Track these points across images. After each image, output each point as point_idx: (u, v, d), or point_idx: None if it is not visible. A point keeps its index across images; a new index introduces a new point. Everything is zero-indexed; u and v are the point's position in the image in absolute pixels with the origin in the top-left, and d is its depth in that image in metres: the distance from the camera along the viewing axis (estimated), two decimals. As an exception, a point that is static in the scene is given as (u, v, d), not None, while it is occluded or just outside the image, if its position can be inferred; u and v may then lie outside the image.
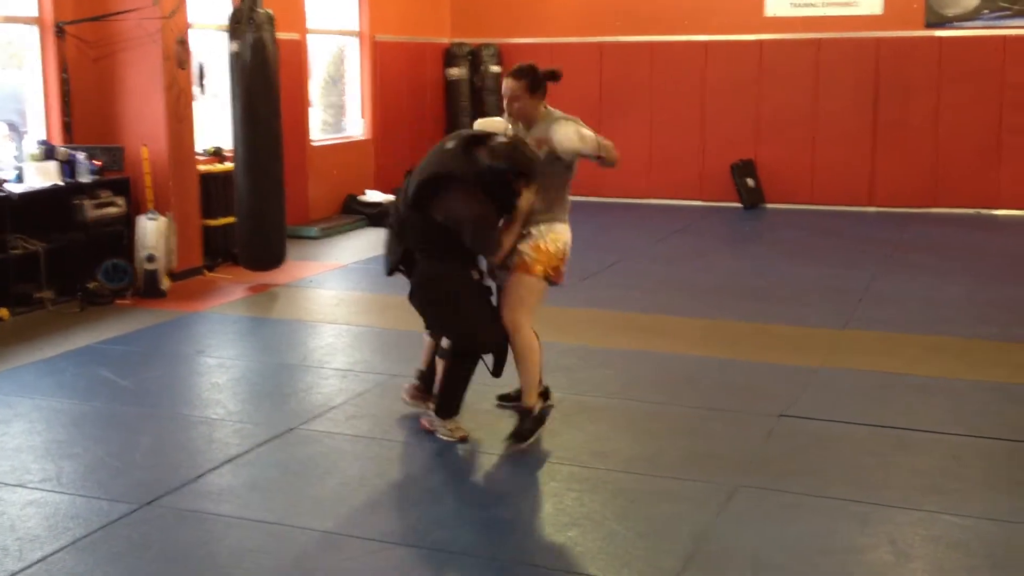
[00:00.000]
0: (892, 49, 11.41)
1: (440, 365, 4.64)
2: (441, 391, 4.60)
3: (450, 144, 4.51)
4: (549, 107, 4.79)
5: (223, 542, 3.66)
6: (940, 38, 11.25)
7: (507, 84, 4.68)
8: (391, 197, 10.99)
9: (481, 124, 4.91)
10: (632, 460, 4.38)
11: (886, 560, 3.50)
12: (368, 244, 9.77)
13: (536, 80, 4.71)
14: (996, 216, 11.20)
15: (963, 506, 3.90)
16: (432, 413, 4.64)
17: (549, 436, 4.66)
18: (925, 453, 4.47)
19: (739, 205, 11.94)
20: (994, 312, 6.97)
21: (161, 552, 3.57)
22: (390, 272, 4.73)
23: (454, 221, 4.33)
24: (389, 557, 3.54)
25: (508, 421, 4.78)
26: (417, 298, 4.59)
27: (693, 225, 10.94)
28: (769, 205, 12.04)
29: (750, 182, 11.92)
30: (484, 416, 4.88)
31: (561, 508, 3.91)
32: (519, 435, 4.48)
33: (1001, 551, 3.54)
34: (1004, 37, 11.06)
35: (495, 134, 4.59)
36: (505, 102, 4.72)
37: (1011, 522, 3.76)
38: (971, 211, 11.33)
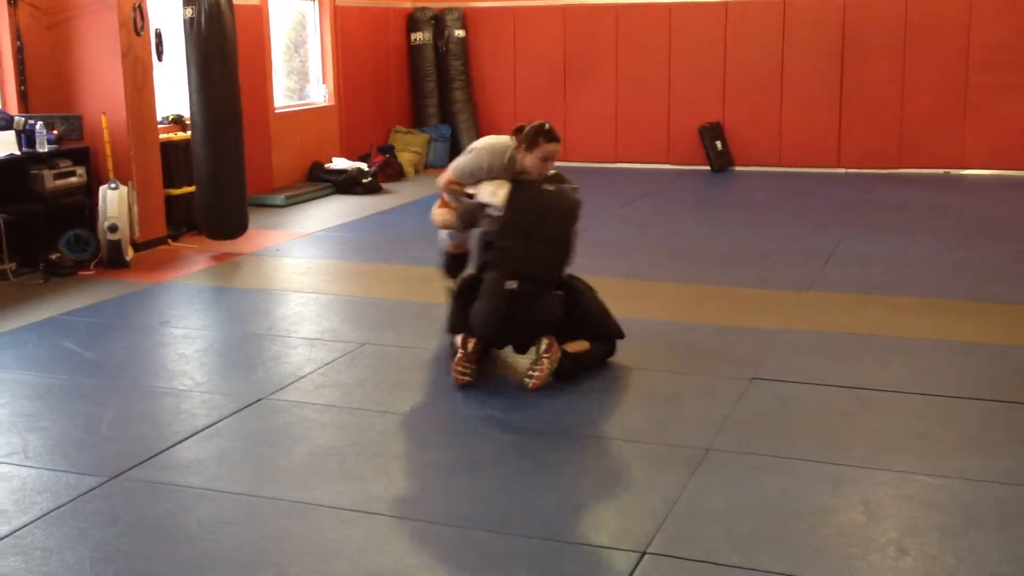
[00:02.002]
0: (858, 9, 11.41)
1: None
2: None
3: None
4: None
5: (192, 514, 3.63)
6: (905, -2, 11.27)
7: (554, 148, 5.19)
8: (358, 164, 10.91)
9: (492, 143, 5.30)
10: (600, 426, 4.38)
11: (858, 520, 3.52)
12: (335, 212, 9.69)
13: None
14: (963, 176, 11.28)
15: (933, 465, 3.93)
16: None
17: (519, 404, 4.65)
18: (893, 413, 4.50)
19: (708, 168, 11.95)
20: (959, 272, 7.03)
21: (130, 525, 3.53)
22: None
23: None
24: (360, 526, 3.52)
25: (485, 391, 4.77)
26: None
27: (661, 189, 10.94)
28: (738, 168, 12.06)
29: (718, 145, 11.92)
30: (451, 390, 4.86)
31: (530, 475, 3.90)
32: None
33: (973, 509, 3.58)
34: (969, -4, 11.09)
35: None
36: (543, 163, 5.17)
37: (982, 481, 3.80)
38: (938, 172, 11.41)
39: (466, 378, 4.81)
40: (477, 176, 5.18)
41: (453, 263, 5.76)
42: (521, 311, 4.86)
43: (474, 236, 5.39)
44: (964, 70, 11.19)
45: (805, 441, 4.18)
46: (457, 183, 5.28)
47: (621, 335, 5.18)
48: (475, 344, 4.87)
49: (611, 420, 4.45)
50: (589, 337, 5.05)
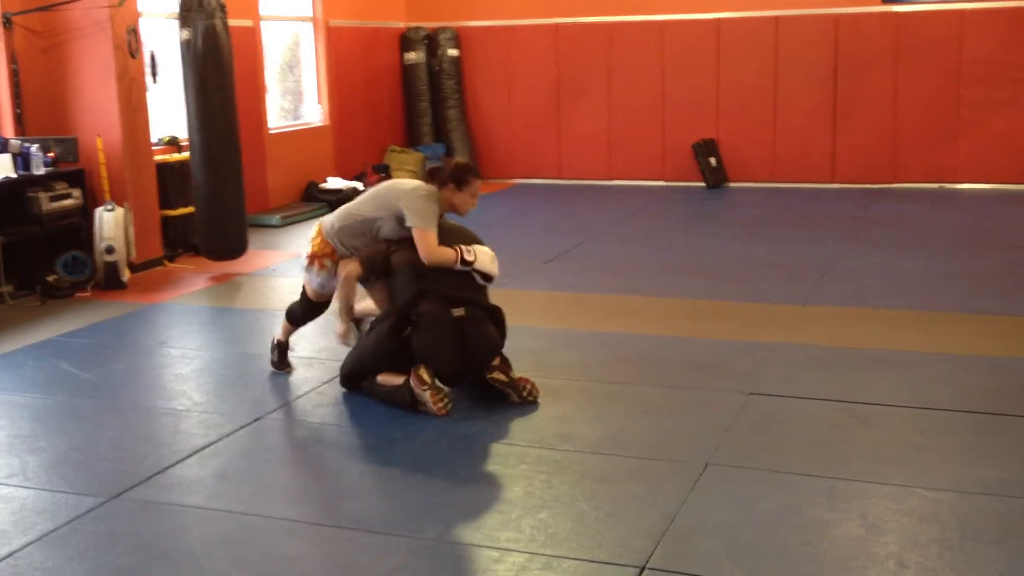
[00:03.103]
0: (850, 25, 11.48)
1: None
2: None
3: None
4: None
5: (192, 533, 3.63)
6: (898, 13, 11.34)
7: (480, 183, 5.11)
8: (353, 183, 10.94)
9: (421, 187, 5.03)
10: (600, 441, 4.39)
11: (857, 534, 3.53)
12: (330, 231, 9.69)
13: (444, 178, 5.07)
14: (956, 190, 11.33)
15: (930, 478, 3.94)
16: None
17: (516, 419, 4.66)
18: (889, 426, 4.51)
19: (702, 184, 11.99)
20: (952, 285, 7.06)
21: (130, 545, 3.53)
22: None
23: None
24: (357, 544, 3.52)
25: (480, 408, 4.79)
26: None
27: (655, 205, 10.98)
28: (732, 184, 12.10)
29: (712, 161, 11.97)
30: (457, 402, 4.88)
31: (531, 491, 3.91)
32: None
33: (971, 522, 3.59)
34: (961, 11, 11.17)
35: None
36: (473, 200, 5.08)
37: (978, 493, 3.81)
38: (932, 186, 11.46)
39: (449, 405, 4.69)
40: (436, 225, 4.89)
41: (308, 312, 5.33)
42: (472, 338, 4.78)
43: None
44: (956, 85, 11.25)
45: (803, 455, 4.19)
46: (444, 249, 4.86)
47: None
48: (428, 373, 4.69)
49: (609, 435, 4.46)
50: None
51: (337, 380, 5.19)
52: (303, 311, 5.35)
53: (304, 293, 5.29)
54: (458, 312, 4.77)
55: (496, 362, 4.89)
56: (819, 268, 7.63)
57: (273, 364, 5.42)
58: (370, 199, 5.07)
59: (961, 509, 3.69)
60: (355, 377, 4.96)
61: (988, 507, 3.70)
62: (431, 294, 4.79)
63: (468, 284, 4.88)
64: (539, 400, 4.82)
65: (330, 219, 5.14)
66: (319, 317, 5.37)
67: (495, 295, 5.14)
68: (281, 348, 5.44)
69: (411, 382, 4.68)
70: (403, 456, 4.33)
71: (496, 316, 4.99)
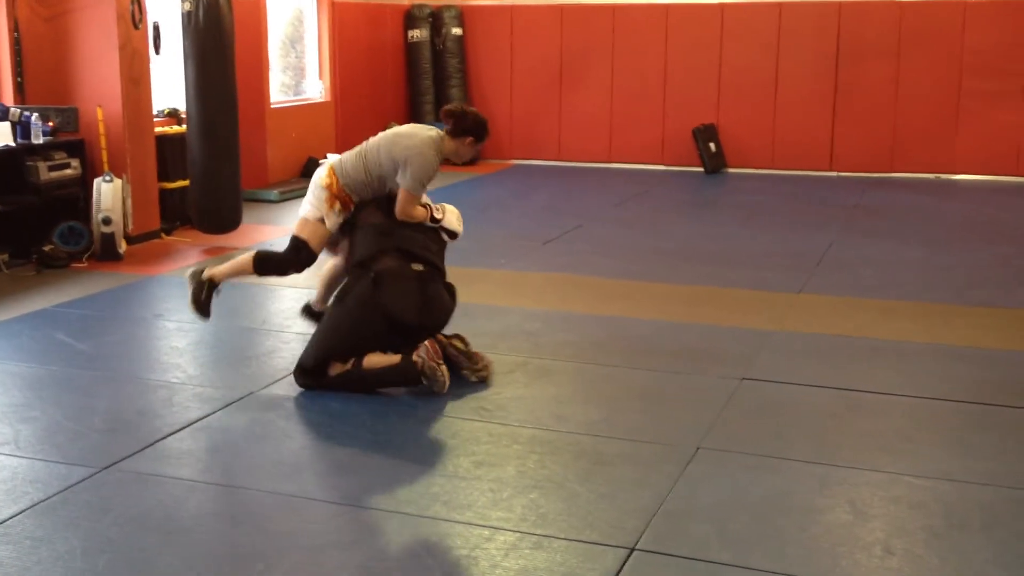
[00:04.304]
0: (853, 14, 11.45)
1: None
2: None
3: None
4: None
5: (184, 505, 3.65)
6: (901, 3, 11.32)
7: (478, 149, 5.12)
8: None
9: (429, 139, 5.02)
10: (593, 423, 4.41)
11: (846, 520, 3.55)
12: (328, 207, 9.69)
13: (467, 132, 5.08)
14: (954, 181, 11.33)
15: (919, 467, 3.96)
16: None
17: (510, 400, 4.67)
18: (881, 415, 4.53)
19: (701, 169, 11.98)
20: (949, 276, 7.07)
21: (121, 515, 3.54)
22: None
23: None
24: (350, 520, 3.54)
25: (475, 388, 4.80)
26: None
27: (654, 189, 10.97)
28: (731, 169, 12.09)
29: (712, 146, 11.95)
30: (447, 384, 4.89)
31: (523, 471, 3.93)
32: None
33: (958, 511, 3.61)
34: (964, 2, 11.15)
35: None
36: (473, 152, 5.12)
37: (967, 482, 3.83)
38: (930, 176, 11.46)
39: (448, 382, 4.68)
40: (425, 187, 4.94)
41: (291, 263, 5.05)
42: (432, 295, 4.82)
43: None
44: (957, 76, 11.24)
45: (794, 441, 4.21)
46: (420, 207, 4.96)
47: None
48: (436, 347, 4.68)
49: (602, 417, 4.47)
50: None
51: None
52: (288, 261, 5.04)
53: (297, 242, 4.99)
54: (417, 267, 4.85)
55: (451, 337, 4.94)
56: (816, 256, 7.64)
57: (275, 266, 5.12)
58: (385, 150, 4.94)
59: (949, 498, 3.71)
60: (326, 363, 4.73)
61: (976, 496, 3.72)
62: (391, 251, 4.83)
63: (430, 246, 4.96)
64: (491, 382, 4.80)
65: (344, 167, 4.98)
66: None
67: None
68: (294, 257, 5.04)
69: (423, 355, 4.62)
70: (396, 433, 4.34)
71: (450, 291, 5.03)
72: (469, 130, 5.00)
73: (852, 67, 11.51)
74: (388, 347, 4.74)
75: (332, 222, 4.96)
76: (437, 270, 4.95)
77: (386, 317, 4.71)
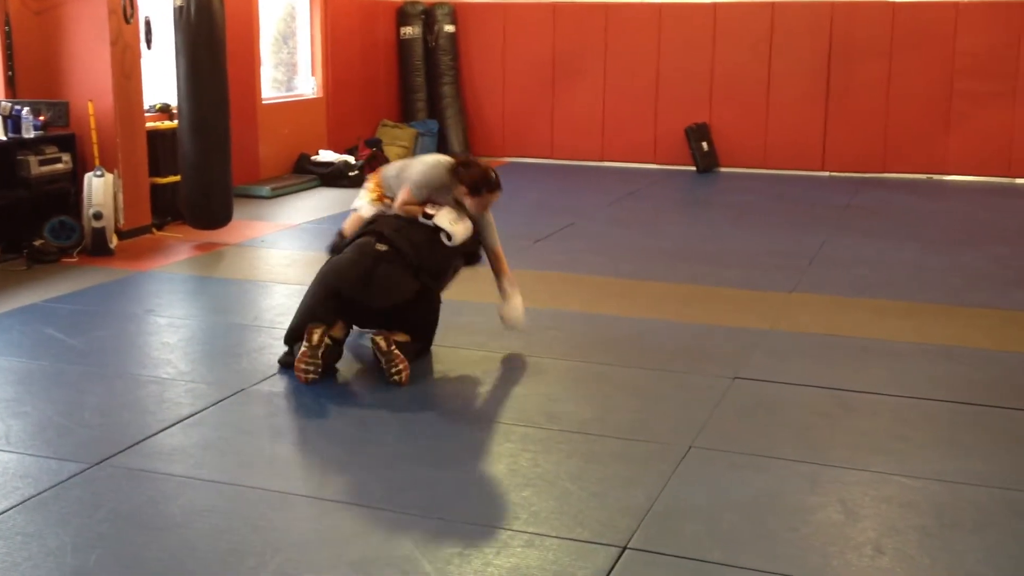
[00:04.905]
0: (845, 14, 11.48)
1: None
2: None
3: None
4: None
5: (175, 502, 3.63)
6: (893, 3, 11.34)
7: (495, 197, 5.22)
8: (345, 157, 10.90)
9: (439, 161, 5.29)
10: (586, 421, 4.40)
11: (837, 519, 3.56)
12: (320, 204, 9.69)
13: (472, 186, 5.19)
14: (946, 182, 11.36)
15: (910, 467, 3.97)
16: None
17: (503, 398, 4.67)
18: (872, 415, 4.54)
19: (693, 169, 11.99)
20: (941, 277, 7.09)
21: (112, 511, 3.53)
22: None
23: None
24: (342, 517, 3.53)
25: (467, 385, 4.79)
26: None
27: (646, 189, 10.98)
28: (723, 169, 12.10)
29: (704, 146, 11.96)
30: (438, 382, 4.88)
31: (515, 469, 3.92)
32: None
33: (949, 511, 3.61)
34: (956, 4, 11.17)
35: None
36: (481, 207, 5.20)
37: (958, 482, 3.84)
38: (921, 176, 11.49)
39: (311, 375, 4.71)
40: (425, 191, 5.16)
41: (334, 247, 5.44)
42: (381, 273, 4.87)
43: None
44: (949, 77, 11.27)
45: (786, 441, 4.21)
46: (415, 204, 5.17)
47: (430, 343, 5.18)
48: (320, 335, 4.73)
49: (594, 415, 4.47)
50: (409, 332, 4.98)
51: (323, 353, 5.20)
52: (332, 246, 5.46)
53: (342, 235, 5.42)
54: (381, 247, 4.94)
55: (400, 337, 4.85)
56: (808, 256, 7.65)
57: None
58: (410, 164, 5.36)
59: (941, 498, 3.72)
60: (296, 329, 4.92)
61: (967, 497, 3.72)
62: (371, 232, 5.02)
63: (412, 236, 5.01)
64: (404, 385, 4.72)
65: (387, 174, 5.42)
66: None
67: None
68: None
69: (306, 330, 4.75)
70: (389, 430, 4.34)
71: (431, 293, 5.06)
72: (462, 181, 5.10)
73: (844, 67, 11.53)
74: (334, 314, 4.89)
75: (367, 210, 5.38)
76: (401, 255, 4.95)
77: (322, 281, 4.92)
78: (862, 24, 11.44)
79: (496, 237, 5.35)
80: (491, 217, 5.32)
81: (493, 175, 5.16)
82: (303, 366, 4.71)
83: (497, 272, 5.39)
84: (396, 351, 4.75)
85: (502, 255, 5.39)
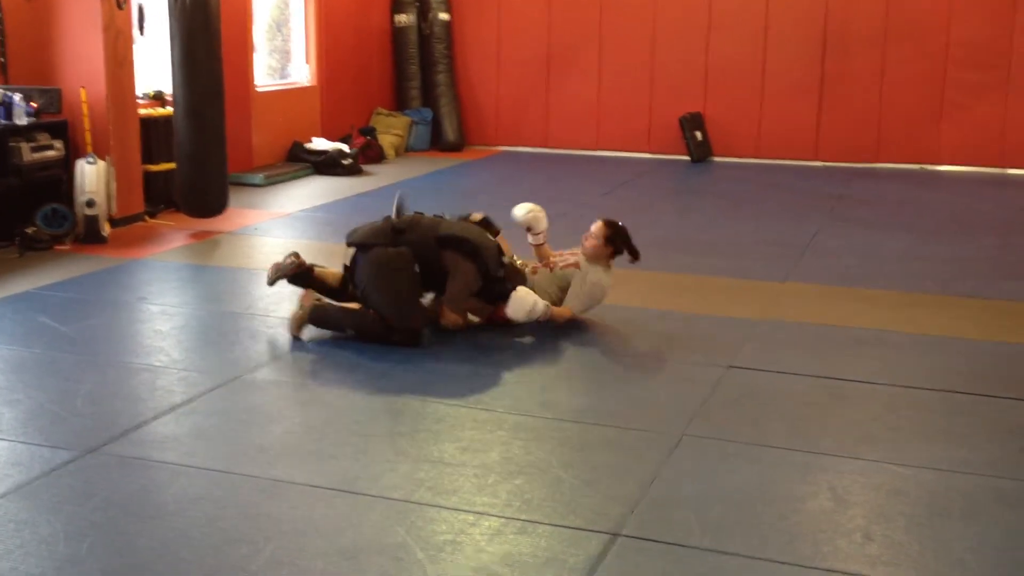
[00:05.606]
0: (840, 4, 11.47)
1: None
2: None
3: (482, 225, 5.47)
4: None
5: (167, 490, 3.64)
6: (888, -6, 11.33)
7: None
8: (338, 145, 10.88)
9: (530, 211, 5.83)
10: (578, 410, 4.42)
11: (827, 507, 3.58)
12: (314, 192, 9.67)
13: (618, 247, 5.63)
14: (938, 172, 11.37)
15: (901, 455, 3.99)
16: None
17: (496, 386, 4.68)
18: (863, 404, 4.56)
19: (687, 158, 11.99)
20: (932, 267, 7.10)
21: (104, 499, 3.53)
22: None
23: (451, 272, 5.28)
24: (334, 505, 3.54)
25: (459, 372, 4.80)
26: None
27: (640, 178, 10.98)
28: (717, 158, 12.11)
29: (698, 135, 11.96)
30: (430, 371, 4.89)
31: (508, 457, 3.93)
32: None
33: (939, 499, 3.64)
34: (950, -6, 11.17)
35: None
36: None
37: (948, 471, 3.86)
38: (914, 167, 11.50)
39: (294, 325, 5.24)
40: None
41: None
42: (374, 257, 5.20)
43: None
44: (943, 67, 11.28)
45: (777, 429, 4.23)
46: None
47: (401, 327, 5.13)
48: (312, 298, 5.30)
49: (587, 404, 4.48)
50: (374, 307, 5.20)
51: (317, 340, 5.21)
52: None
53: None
54: (395, 220, 5.36)
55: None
56: (801, 245, 7.66)
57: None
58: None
59: (930, 486, 3.74)
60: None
61: (957, 485, 3.74)
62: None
63: (430, 225, 5.36)
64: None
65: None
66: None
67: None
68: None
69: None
70: (381, 419, 4.34)
71: (407, 310, 5.18)
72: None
73: (838, 57, 11.53)
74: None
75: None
76: (422, 241, 5.28)
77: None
78: (856, 14, 11.43)
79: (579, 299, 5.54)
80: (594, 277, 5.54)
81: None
82: (292, 318, 5.29)
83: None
84: (300, 313, 5.26)
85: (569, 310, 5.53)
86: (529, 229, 5.80)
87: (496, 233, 5.52)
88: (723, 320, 5.74)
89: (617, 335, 5.46)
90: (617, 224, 5.61)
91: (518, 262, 5.61)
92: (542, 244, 5.81)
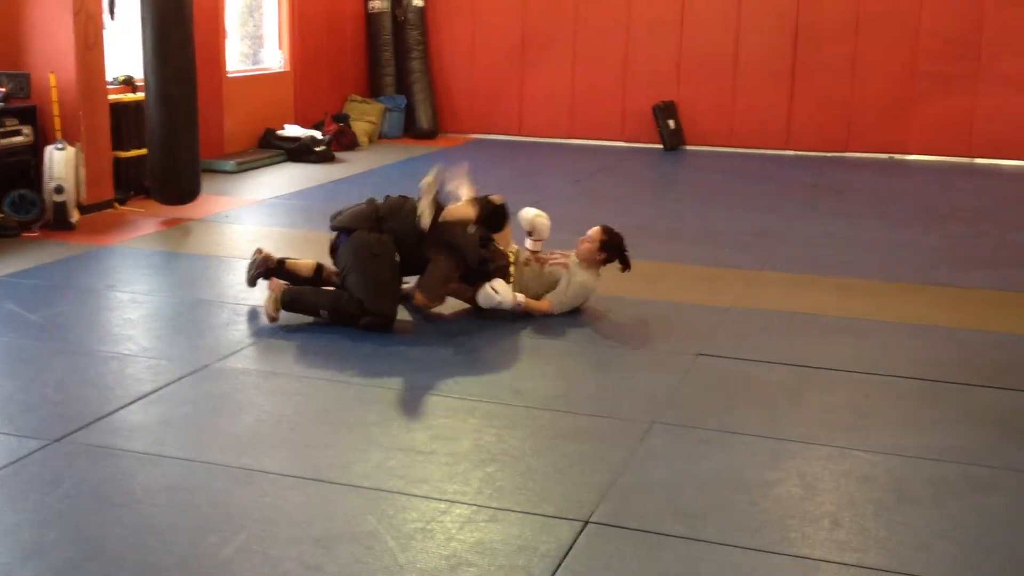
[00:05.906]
0: (812, -7, 11.50)
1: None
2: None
3: (471, 230, 5.37)
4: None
5: (136, 478, 3.61)
6: (860, -17, 11.37)
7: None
8: (311, 132, 10.82)
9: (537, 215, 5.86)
10: (550, 398, 4.42)
11: (796, 493, 3.60)
12: (286, 180, 9.61)
13: (611, 255, 5.63)
14: (907, 161, 11.45)
15: (871, 442, 4.02)
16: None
17: (468, 374, 4.67)
18: (834, 391, 4.58)
19: (660, 147, 12.01)
20: (904, 255, 7.15)
21: (72, 488, 3.50)
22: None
23: (431, 262, 5.31)
24: (306, 494, 3.52)
25: (431, 360, 4.79)
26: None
27: (614, 166, 10.98)
28: (690, 147, 12.13)
29: (671, 124, 11.98)
30: (402, 358, 4.88)
31: (480, 444, 3.93)
32: None
33: (908, 485, 3.66)
34: (921, -15, 11.22)
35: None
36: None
37: (916, 457, 3.89)
38: (883, 156, 11.57)
39: (271, 306, 5.23)
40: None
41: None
42: (355, 240, 5.23)
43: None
44: (913, 58, 11.34)
45: (748, 416, 4.24)
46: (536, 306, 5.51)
47: (374, 314, 5.15)
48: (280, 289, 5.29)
49: (559, 392, 4.49)
50: (350, 289, 5.23)
51: (287, 328, 5.19)
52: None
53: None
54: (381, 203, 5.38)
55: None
56: (773, 234, 7.69)
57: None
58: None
59: (899, 472, 3.77)
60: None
61: (926, 472, 3.77)
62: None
63: (410, 213, 5.29)
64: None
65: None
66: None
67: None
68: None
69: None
70: (351, 406, 4.33)
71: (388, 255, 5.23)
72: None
73: (810, 47, 11.57)
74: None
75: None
76: (404, 230, 5.27)
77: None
78: (828, 5, 11.47)
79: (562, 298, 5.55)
80: (580, 279, 5.57)
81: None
82: (267, 301, 5.27)
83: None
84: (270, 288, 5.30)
85: (547, 306, 5.52)
86: (530, 233, 5.80)
87: (504, 222, 5.56)
88: (696, 308, 5.76)
89: (590, 323, 5.47)
90: (615, 233, 5.63)
91: (514, 248, 5.63)
92: (539, 252, 5.79)
